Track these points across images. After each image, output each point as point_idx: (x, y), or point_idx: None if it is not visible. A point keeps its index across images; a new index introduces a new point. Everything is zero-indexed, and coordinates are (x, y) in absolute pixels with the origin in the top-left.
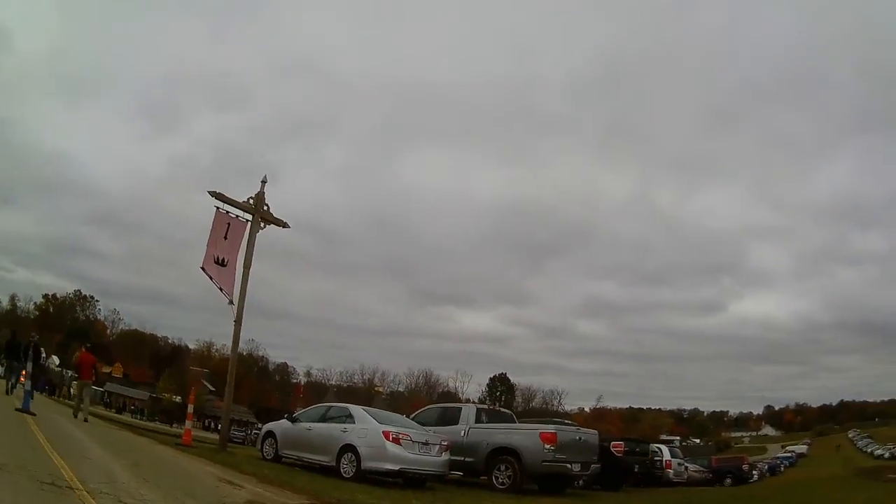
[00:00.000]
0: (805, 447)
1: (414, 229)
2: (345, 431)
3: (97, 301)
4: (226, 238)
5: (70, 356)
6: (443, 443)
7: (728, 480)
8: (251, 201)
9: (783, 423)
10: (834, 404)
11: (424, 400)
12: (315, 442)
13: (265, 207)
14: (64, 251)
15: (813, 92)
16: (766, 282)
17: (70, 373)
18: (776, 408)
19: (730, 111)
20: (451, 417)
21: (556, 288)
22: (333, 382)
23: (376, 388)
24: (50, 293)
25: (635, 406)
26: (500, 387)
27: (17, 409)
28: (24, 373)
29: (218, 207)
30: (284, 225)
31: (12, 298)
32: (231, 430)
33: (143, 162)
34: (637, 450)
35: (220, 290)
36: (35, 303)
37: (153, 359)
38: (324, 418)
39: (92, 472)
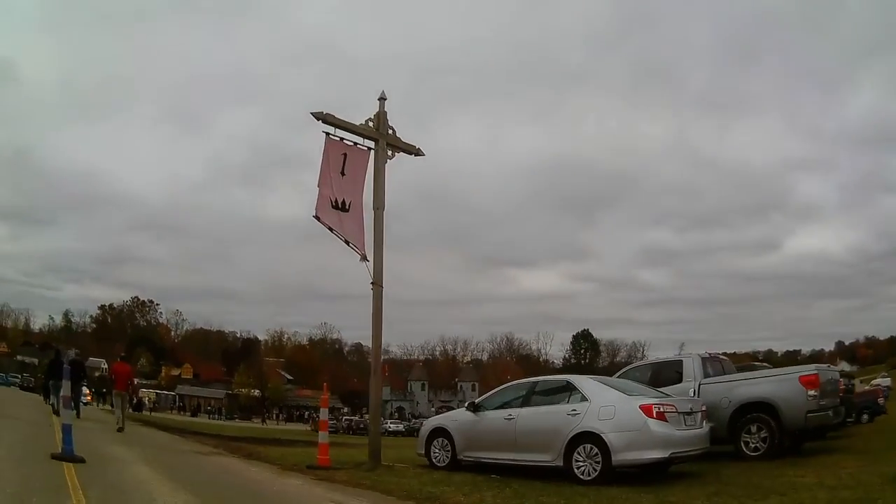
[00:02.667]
0: (889, 380)
1: (458, 196)
2: (574, 414)
3: (157, 305)
4: (343, 174)
5: (135, 364)
6: (703, 408)
7: (865, 417)
8: (370, 124)
9: (857, 357)
10: None
11: (510, 365)
12: (523, 436)
13: (390, 131)
14: (111, 262)
15: (831, 14)
16: (815, 215)
17: (136, 380)
18: (846, 343)
19: (751, 43)
20: (669, 375)
21: (611, 240)
22: (415, 357)
23: (465, 358)
24: (106, 304)
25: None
26: (584, 343)
27: (53, 457)
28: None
29: (328, 134)
30: (418, 152)
31: (66, 315)
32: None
33: (175, 165)
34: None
35: (347, 243)
36: (91, 316)
37: (224, 355)
38: (528, 401)
39: None
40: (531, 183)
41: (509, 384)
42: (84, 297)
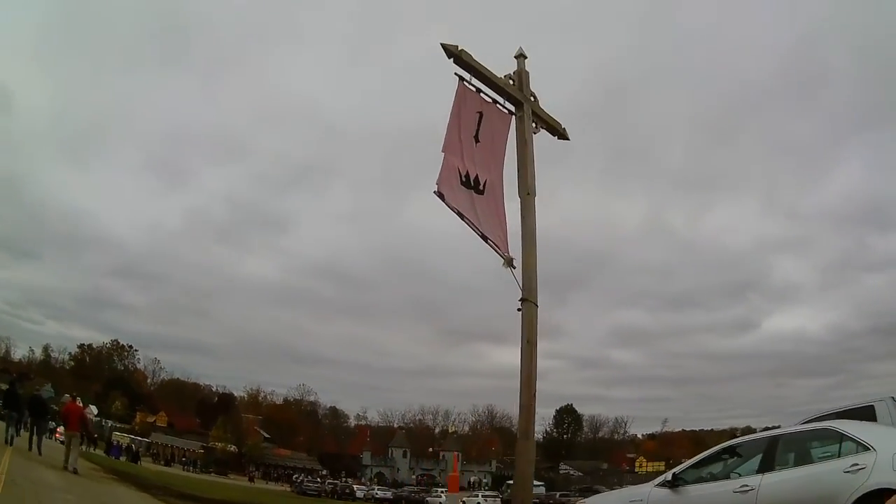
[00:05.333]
0: None
1: (432, 269)
2: (856, 469)
3: (136, 350)
4: (477, 140)
5: (110, 406)
6: None
7: None
8: (511, 82)
9: None
10: None
11: (493, 437)
12: None
13: (532, 98)
14: (92, 304)
15: (812, 92)
16: (793, 295)
17: (110, 423)
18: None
19: (730, 121)
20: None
21: (583, 319)
22: (396, 424)
23: (450, 428)
24: (85, 343)
25: (686, 429)
26: (568, 418)
27: None
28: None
29: (461, 78)
30: (563, 133)
31: (45, 349)
32: (303, 481)
33: (157, 215)
34: None
35: (484, 238)
36: (70, 353)
37: (200, 407)
38: (769, 463)
39: None
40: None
41: (722, 445)
42: (64, 335)
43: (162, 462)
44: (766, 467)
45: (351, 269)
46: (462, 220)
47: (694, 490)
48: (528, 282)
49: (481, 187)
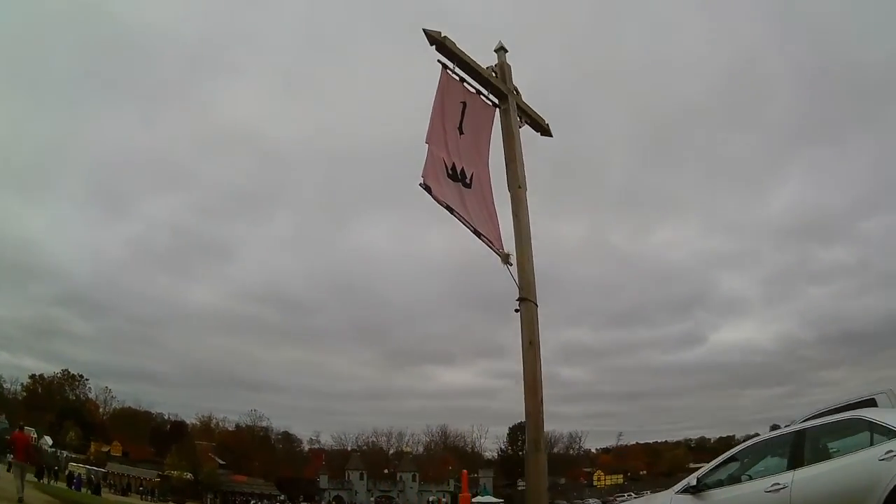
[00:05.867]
0: None
1: (376, 292)
2: (890, 457)
3: (87, 380)
4: (461, 130)
5: (64, 436)
6: None
7: None
8: (494, 74)
9: None
10: None
11: (448, 457)
12: None
13: (515, 91)
14: (41, 333)
15: (750, 110)
16: (739, 309)
17: (66, 453)
18: (782, 425)
19: (671, 140)
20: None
21: None
22: (349, 447)
23: (405, 448)
24: (36, 374)
25: (640, 441)
26: (521, 435)
27: None
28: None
29: (444, 65)
30: (547, 130)
31: None
32: None
33: (101, 244)
34: None
35: (477, 234)
36: (22, 384)
37: (153, 435)
38: (797, 458)
39: None
40: (447, 281)
41: (744, 445)
42: (14, 365)
43: (119, 492)
44: (795, 463)
45: (295, 294)
46: (452, 214)
47: (721, 494)
48: (526, 280)
49: (468, 180)
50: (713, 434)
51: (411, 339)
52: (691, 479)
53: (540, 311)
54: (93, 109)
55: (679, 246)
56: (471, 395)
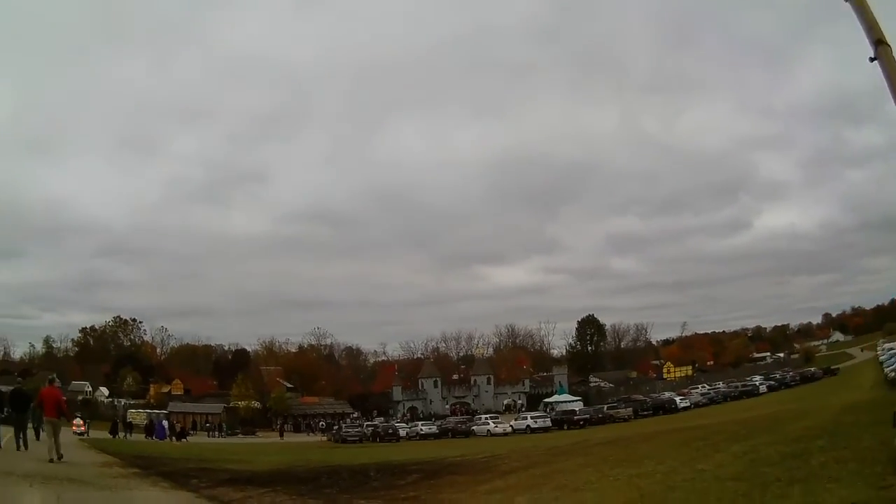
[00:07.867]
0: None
1: (418, 198)
2: None
3: (141, 323)
4: None
5: (121, 384)
6: None
7: None
8: None
9: (848, 327)
10: (886, 304)
11: (521, 356)
12: None
13: None
14: (86, 287)
15: None
16: (781, 193)
17: (123, 401)
18: (834, 314)
19: (689, 23)
20: None
21: (577, 231)
22: (419, 355)
23: (476, 350)
24: (87, 326)
25: (699, 332)
26: (590, 329)
27: None
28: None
29: None
30: None
31: (46, 341)
32: (339, 429)
33: (135, 190)
34: None
35: None
36: (72, 339)
37: (215, 368)
38: None
39: None
40: (488, 180)
41: None
42: (63, 323)
43: (173, 438)
44: None
45: (338, 208)
46: None
47: None
48: None
49: None
50: (768, 323)
51: (459, 242)
52: None
53: (582, 206)
54: (104, 59)
55: (711, 130)
56: (527, 293)
